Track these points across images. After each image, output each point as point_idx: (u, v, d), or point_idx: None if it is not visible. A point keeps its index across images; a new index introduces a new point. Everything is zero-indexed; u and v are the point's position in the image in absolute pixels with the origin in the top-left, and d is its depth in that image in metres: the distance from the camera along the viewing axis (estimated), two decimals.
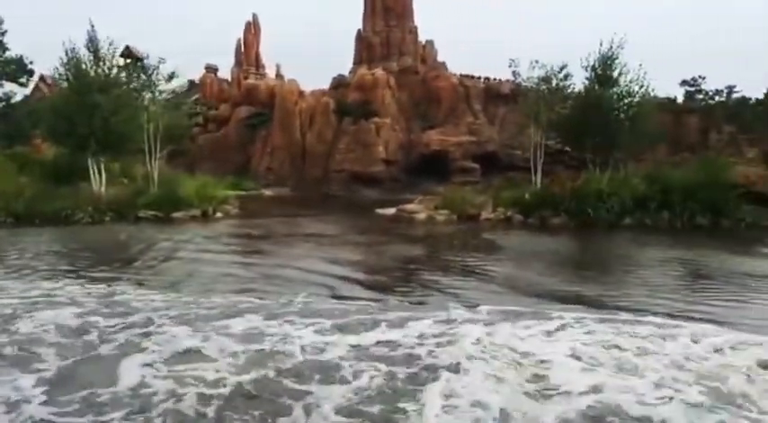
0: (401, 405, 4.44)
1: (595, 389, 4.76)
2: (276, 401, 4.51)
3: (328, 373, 5.12)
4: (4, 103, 35.52)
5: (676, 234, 18.08)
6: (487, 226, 20.43)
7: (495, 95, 45.91)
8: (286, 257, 13.23)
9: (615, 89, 24.01)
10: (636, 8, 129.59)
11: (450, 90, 45.44)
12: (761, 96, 36.93)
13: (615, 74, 23.93)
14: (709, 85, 39.32)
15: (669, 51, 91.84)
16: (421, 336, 6.09)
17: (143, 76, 25.21)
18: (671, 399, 4.60)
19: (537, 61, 24.66)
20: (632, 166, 24.57)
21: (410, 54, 49.25)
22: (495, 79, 46.52)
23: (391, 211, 25.17)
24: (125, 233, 17.15)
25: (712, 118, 36.91)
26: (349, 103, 44.61)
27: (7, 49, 34.02)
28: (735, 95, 38.63)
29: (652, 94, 24.98)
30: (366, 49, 50.26)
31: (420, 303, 8.49)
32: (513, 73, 25.62)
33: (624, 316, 7.34)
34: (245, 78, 54.17)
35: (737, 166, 22.36)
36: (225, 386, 4.73)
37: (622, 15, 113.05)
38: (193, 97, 50.80)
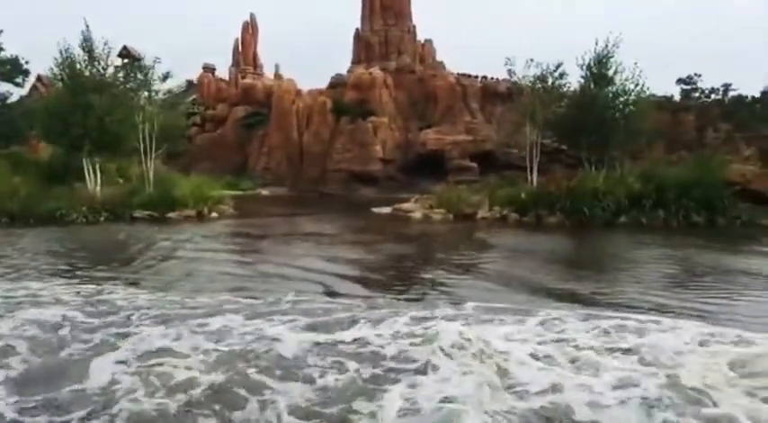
0: (359, 405, 4.42)
1: (554, 388, 4.76)
2: (236, 399, 4.52)
3: (294, 370, 5.12)
4: (0, 104, 35.54)
5: (671, 232, 18.05)
6: (483, 225, 20.42)
7: (492, 94, 45.94)
8: (279, 256, 13.21)
9: (610, 88, 24.00)
10: (636, 9, 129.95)
11: (448, 89, 45.45)
12: (757, 94, 36.98)
13: (610, 72, 23.93)
14: (705, 84, 39.44)
15: (669, 51, 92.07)
16: (397, 333, 6.08)
17: (139, 76, 25.18)
18: (629, 396, 4.60)
19: (532, 60, 24.70)
20: (629, 164, 24.52)
21: (408, 53, 49.30)
22: (492, 78, 46.53)
23: (387, 210, 25.20)
24: (118, 233, 17.11)
25: (708, 116, 36.92)
26: (346, 102, 44.62)
27: (2, 49, 34.03)
28: (731, 93, 38.69)
29: (647, 92, 25.00)
30: (364, 49, 50.29)
31: (409, 300, 8.49)
32: (509, 72, 25.60)
33: (609, 313, 7.32)
34: (243, 78, 54.21)
35: (733, 164, 22.36)
36: (191, 384, 4.75)
37: (622, 16, 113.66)
38: (191, 97, 50.91)
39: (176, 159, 39.09)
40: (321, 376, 4.95)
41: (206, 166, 43.04)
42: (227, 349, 5.62)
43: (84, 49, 22.54)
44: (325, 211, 27.68)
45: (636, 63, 23.67)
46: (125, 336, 5.91)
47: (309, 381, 4.90)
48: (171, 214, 21.29)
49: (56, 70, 22.62)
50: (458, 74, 47.52)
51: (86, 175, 22.17)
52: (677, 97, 39.23)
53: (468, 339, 5.57)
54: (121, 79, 24.81)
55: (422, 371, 5.07)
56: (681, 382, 4.78)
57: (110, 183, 23.41)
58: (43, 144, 27.19)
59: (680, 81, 39.26)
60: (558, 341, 5.99)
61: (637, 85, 23.77)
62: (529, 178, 23.95)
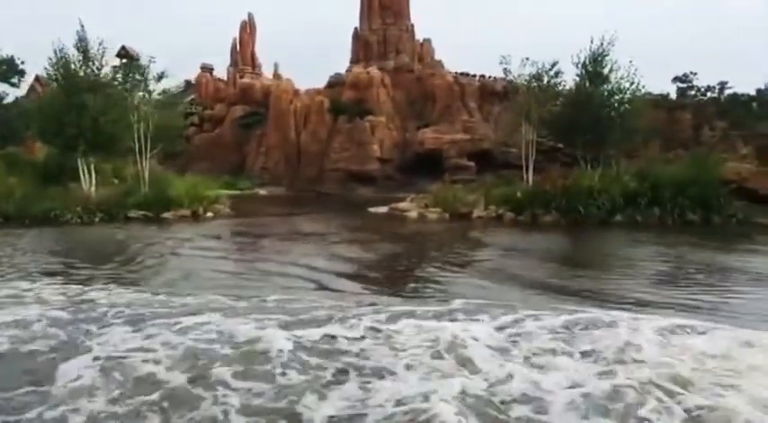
0: (308, 401, 4.45)
1: (506, 380, 4.82)
2: (190, 397, 4.55)
3: (255, 367, 5.15)
4: None
5: (666, 231, 18.03)
6: (479, 224, 20.41)
7: (490, 93, 45.91)
8: (273, 255, 13.22)
9: (606, 86, 23.94)
10: (636, 8, 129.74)
11: (446, 88, 45.40)
12: (752, 92, 36.92)
13: (606, 71, 23.86)
14: (701, 82, 39.38)
15: (669, 51, 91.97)
16: (371, 329, 6.12)
17: (137, 76, 25.14)
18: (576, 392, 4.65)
19: (527, 58, 24.65)
20: (624, 162, 24.48)
21: (407, 52, 49.25)
22: (490, 77, 46.45)
23: (383, 209, 25.19)
24: (113, 234, 17.10)
25: (705, 114, 36.85)
26: (344, 101, 44.58)
27: None
28: (727, 91, 38.63)
29: (643, 90, 24.93)
30: (363, 48, 50.25)
31: (396, 296, 8.55)
32: (505, 70, 25.57)
33: (592, 311, 7.30)
34: (241, 78, 54.13)
35: (729, 162, 22.32)
36: (151, 381, 4.81)
37: (622, 16, 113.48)
38: (189, 97, 50.90)
39: (174, 159, 39.11)
40: (283, 374, 4.97)
41: (204, 165, 43.06)
42: (194, 347, 5.64)
43: (78, 49, 22.50)
44: (322, 210, 27.67)
45: (631, 61, 23.63)
46: (97, 335, 5.90)
47: (269, 378, 4.92)
48: (166, 214, 21.27)
49: (50, 70, 22.60)
50: (456, 73, 47.47)
51: (81, 176, 22.15)
52: (673, 95, 39.19)
53: (436, 339, 5.56)
54: (120, 79, 24.77)
55: (378, 370, 5.09)
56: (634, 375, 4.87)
57: (105, 183, 23.40)
58: (39, 144, 27.15)
59: (676, 79, 39.20)
60: (518, 335, 6.06)
61: (632, 83, 23.72)
62: (525, 177, 23.92)
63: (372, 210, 25.49)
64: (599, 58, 23.80)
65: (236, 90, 52.57)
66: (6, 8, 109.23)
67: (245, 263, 12.46)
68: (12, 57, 34.74)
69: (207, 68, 55.50)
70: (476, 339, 5.79)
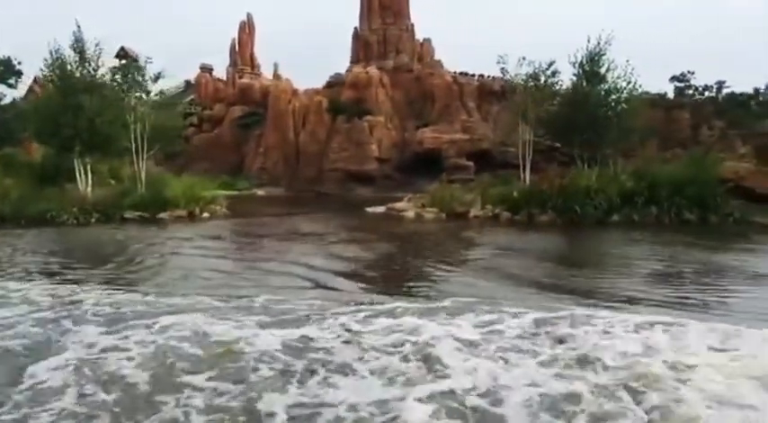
0: (269, 399, 4.46)
1: (472, 374, 4.87)
2: (159, 394, 4.58)
3: (228, 367, 5.15)
4: None
5: (663, 230, 17.98)
6: (475, 223, 20.37)
7: (488, 93, 45.85)
8: (273, 254, 13.19)
9: (603, 85, 23.89)
10: (636, 8, 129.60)
11: (445, 88, 45.35)
12: (750, 91, 36.81)
13: (603, 70, 23.81)
14: (699, 81, 39.28)
15: (669, 51, 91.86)
16: (347, 329, 6.13)
17: (137, 77, 25.11)
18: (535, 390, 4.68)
19: (524, 58, 24.60)
20: (622, 162, 24.42)
21: (407, 52, 49.22)
22: (489, 77, 46.40)
23: (381, 209, 25.17)
24: (108, 234, 17.08)
25: (702, 113, 36.76)
26: (343, 101, 44.54)
27: None
28: (725, 91, 38.54)
29: (640, 90, 24.87)
30: (363, 48, 50.21)
31: (389, 294, 8.53)
32: (502, 70, 25.51)
33: (579, 310, 7.28)
34: (240, 78, 54.11)
35: (727, 161, 22.26)
36: (121, 377, 4.85)
37: (622, 16, 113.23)
38: (188, 97, 50.94)
39: (174, 160, 39.12)
40: (254, 371, 4.98)
41: (203, 166, 43.05)
42: (168, 347, 5.64)
43: (75, 49, 22.49)
44: (320, 210, 27.64)
45: (628, 61, 23.58)
46: (75, 333, 5.89)
47: (238, 378, 4.92)
48: (162, 215, 21.25)
49: (46, 71, 22.59)
50: (455, 72, 47.42)
51: (77, 176, 22.14)
52: (671, 95, 39.08)
53: (412, 340, 5.56)
54: (119, 80, 24.74)
55: (341, 367, 5.12)
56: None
57: (101, 184, 23.38)
58: (36, 145, 27.17)
59: (673, 78, 39.09)
60: (491, 333, 6.11)
61: (629, 82, 23.67)
62: (522, 176, 23.88)
63: (370, 210, 25.47)
64: (596, 58, 23.76)
65: (235, 90, 52.57)
66: (6, 8, 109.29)
67: (246, 262, 12.39)
68: (8, 58, 34.74)
69: (206, 69, 55.51)
70: (452, 337, 5.79)
